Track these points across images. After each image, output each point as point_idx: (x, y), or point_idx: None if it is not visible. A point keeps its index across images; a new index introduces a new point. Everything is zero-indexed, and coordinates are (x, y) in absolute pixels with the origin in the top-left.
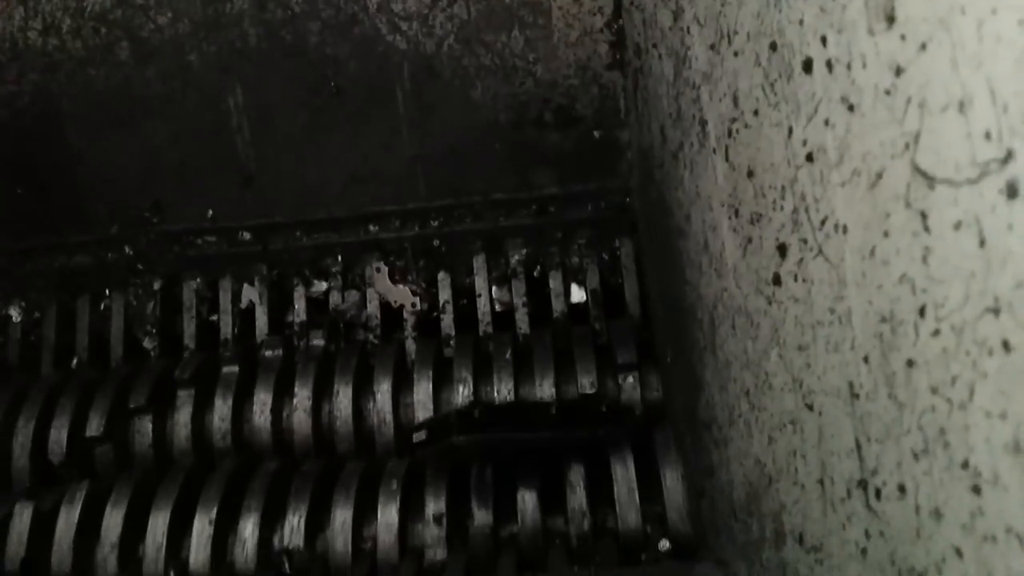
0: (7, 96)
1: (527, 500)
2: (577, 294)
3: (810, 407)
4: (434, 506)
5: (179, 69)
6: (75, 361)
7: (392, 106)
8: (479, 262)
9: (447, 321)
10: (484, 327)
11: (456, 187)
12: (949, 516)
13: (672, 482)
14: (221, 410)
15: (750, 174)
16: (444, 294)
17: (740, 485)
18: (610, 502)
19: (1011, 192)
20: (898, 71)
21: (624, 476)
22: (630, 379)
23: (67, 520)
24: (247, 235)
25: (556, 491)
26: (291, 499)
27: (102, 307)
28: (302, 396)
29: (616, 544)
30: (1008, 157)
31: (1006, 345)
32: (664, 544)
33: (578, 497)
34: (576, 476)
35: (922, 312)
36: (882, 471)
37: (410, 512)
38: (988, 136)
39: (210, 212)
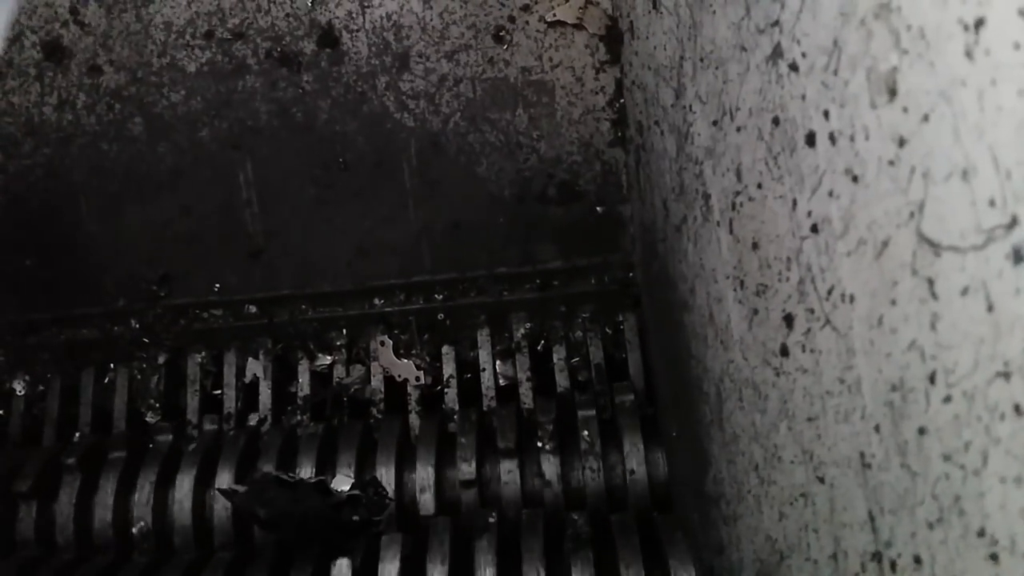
0: (21, 170)
1: None
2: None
3: (821, 479)
4: None
5: (191, 145)
6: (77, 435)
7: (399, 181)
8: (483, 336)
9: (451, 395)
10: (488, 401)
11: (461, 261)
12: None
13: (679, 566)
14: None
15: (755, 246)
16: (448, 368)
17: (750, 564)
18: None
19: (1017, 257)
20: (901, 142)
21: (631, 565)
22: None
23: None
24: (253, 308)
25: None
26: None
27: (106, 380)
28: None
29: None
30: (1013, 223)
31: (1018, 409)
32: None
33: None
34: (584, 564)
35: (932, 379)
36: (896, 542)
37: None
38: (992, 203)
39: (217, 285)
